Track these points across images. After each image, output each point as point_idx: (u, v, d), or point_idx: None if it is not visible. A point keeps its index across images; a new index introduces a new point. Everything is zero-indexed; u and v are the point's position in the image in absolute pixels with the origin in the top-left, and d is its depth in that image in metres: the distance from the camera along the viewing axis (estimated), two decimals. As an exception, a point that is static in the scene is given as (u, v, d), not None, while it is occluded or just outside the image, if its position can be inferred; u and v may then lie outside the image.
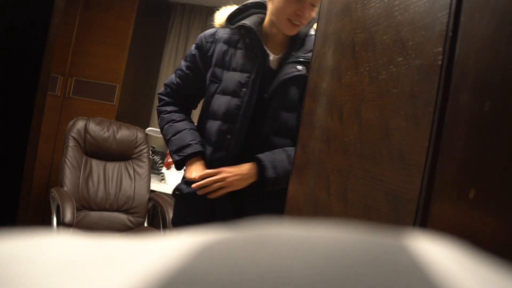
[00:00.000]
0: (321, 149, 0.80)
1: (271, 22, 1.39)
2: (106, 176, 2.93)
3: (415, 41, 0.52)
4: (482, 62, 0.41)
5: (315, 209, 0.78)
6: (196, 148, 1.42)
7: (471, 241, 0.39)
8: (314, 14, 1.35)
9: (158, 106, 1.55)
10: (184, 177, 1.48)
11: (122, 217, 2.87)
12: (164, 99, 1.53)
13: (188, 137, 1.44)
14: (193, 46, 1.49)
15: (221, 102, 1.37)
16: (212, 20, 1.53)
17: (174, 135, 1.46)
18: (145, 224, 2.93)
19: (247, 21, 1.39)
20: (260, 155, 1.34)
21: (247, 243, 0.14)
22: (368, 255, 0.14)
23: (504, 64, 0.38)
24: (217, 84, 1.39)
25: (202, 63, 1.45)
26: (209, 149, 1.40)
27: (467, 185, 0.41)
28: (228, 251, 0.14)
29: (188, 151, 1.41)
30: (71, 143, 2.87)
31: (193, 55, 1.46)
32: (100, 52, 3.40)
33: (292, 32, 1.36)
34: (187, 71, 1.47)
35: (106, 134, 2.99)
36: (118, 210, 2.87)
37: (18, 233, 0.16)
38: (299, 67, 1.36)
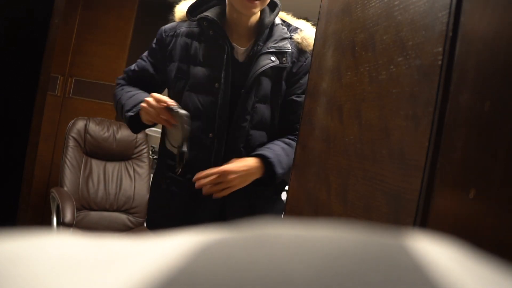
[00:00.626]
0: (321, 149, 0.80)
1: (231, 8, 1.34)
2: (106, 176, 2.93)
3: (415, 41, 0.52)
4: (482, 62, 0.41)
5: (315, 209, 0.78)
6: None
7: (471, 241, 0.39)
8: None
9: (114, 90, 1.49)
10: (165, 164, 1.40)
11: (122, 217, 2.87)
12: (120, 82, 1.48)
13: (142, 96, 1.34)
14: (154, 40, 1.44)
15: (195, 100, 1.32)
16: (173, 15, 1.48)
17: (128, 98, 1.38)
18: (145, 224, 2.93)
19: (209, 13, 1.34)
20: (264, 152, 1.30)
21: (247, 243, 0.14)
22: (368, 255, 0.14)
23: (504, 64, 0.38)
24: (184, 80, 1.34)
25: (161, 57, 1.40)
26: (193, 151, 1.30)
27: (467, 185, 0.41)
28: (228, 251, 0.14)
29: (140, 102, 1.32)
30: (71, 143, 2.87)
31: (154, 49, 1.42)
32: (100, 52, 3.40)
33: (250, 10, 1.30)
34: (146, 62, 1.43)
35: (106, 134, 2.99)
36: (118, 210, 2.87)
37: (18, 233, 0.16)
38: (272, 58, 1.33)
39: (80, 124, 2.93)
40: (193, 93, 1.33)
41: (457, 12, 0.46)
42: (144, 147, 3.11)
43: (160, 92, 1.45)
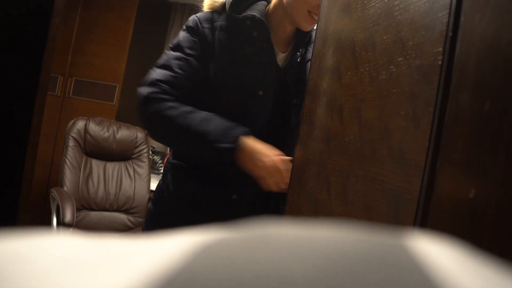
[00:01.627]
0: (321, 149, 0.80)
1: (283, 13, 1.21)
2: (106, 176, 2.93)
3: (415, 41, 0.52)
4: (482, 62, 0.41)
5: (315, 209, 0.78)
6: (245, 129, 1.13)
7: (471, 241, 0.39)
8: None
9: (149, 105, 1.16)
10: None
11: (122, 217, 2.87)
12: (159, 97, 1.16)
13: (223, 120, 1.14)
14: (185, 31, 1.22)
15: (234, 106, 1.18)
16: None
17: (201, 123, 1.12)
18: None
19: (256, 12, 1.18)
20: None
21: (247, 243, 0.14)
22: (368, 255, 0.14)
23: (504, 64, 0.38)
24: (225, 82, 1.18)
25: (202, 51, 1.19)
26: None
27: (467, 185, 0.41)
28: (228, 251, 0.14)
29: (238, 131, 1.11)
30: (71, 143, 2.87)
31: (193, 41, 1.20)
32: (100, 52, 3.40)
33: (309, 27, 1.19)
34: (190, 59, 1.19)
35: (106, 134, 2.99)
36: (118, 210, 2.87)
37: (18, 233, 0.16)
38: None
39: (80, 124, 2.93)
40: (233, 98, 1.19)
41: (457, 12, 0.46)
42: (144, 147, 3.11)
43: (196, 94, 1.23)
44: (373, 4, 0.66)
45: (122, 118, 3.37)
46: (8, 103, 1.32)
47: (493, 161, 0.38)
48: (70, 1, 3.19)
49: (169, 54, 1.21)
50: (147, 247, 0.15)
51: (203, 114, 1.16)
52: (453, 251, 0.15)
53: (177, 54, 1.20)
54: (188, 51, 1.19)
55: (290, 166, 1.05)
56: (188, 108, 1.16)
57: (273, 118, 1.22)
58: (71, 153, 2.85)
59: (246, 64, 1.19)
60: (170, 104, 1.16)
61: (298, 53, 1.25)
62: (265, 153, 1.11)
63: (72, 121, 2.95)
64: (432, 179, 0.46)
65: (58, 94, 3.37)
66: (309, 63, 1.22)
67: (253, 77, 1.18)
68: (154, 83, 1.18)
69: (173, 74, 1.18)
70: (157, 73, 1.19)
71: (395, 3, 0.59)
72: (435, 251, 0.15)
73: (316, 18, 1.15)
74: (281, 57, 1.26)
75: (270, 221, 0.17)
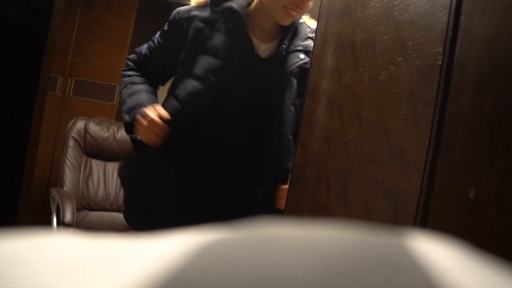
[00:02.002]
0: (321, 149, 0.80)
1: (264, 8, 1.26)
2: (106, 176, 2.92)
3: (415, 41, 0.52)
4: (482, 62, 0.41)
5: (315, 209, 0.78)
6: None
7: (471, 241, 0.39)
8: (311, 4, 1.22)
9: (122, 70, 1.41)
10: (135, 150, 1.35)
11: (122, 217, 2.87)
12: (129, 65, 1.39)
13: (143, 97, 1.29)
14: (167, 21, 1.34)
15: (189, 92, 1.23)
16: None
17: (130, 95, 1.31)
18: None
19: (234, 4, 1.24)
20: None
21: (247, 243, 0.14)
22: (368, 255, 0.14)
23: (504, 64, 0.38)
24: (188, 67, 1.25)
25: (174, 41, 1.30)
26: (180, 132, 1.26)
27: (467, 185, 0.41)
28: (228, 251, 0.14)
29: (140, 111, 1.26)
30: (71, 143, 2.87)
31: (166, 31, 1.32)
32: (100, 52, 3.40)
33: (287, 22, 1.24)
34: (158, 46, 1.33)
35: (106, 134, 2.99)
36: (118, 210, 2.87)
37: (18, 233, 0.16)
38: (301, 55, 1.27)
39: (80, 124, 2.93)
40: (187, 85, 1.24)
41: (457, 12, 0.46)
42: (144, 147, 3.11)
43: (169, 79, 1.39)
44: (373, 4, 0.66)
45: (122, 118, 3.36)
46: (8, 103, 1.33)
47: (493, 161, 0.38)
48: (70, 1, 3.18)
49: (154, 36, 1.38)
50: (147, 247, 0.15)
51: (137, 87, 1.32)
52: (453, 251, 0.15)
53: (155, 38, 1.36)
54: (160, 39, 1.34)
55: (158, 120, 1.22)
56: (136, 80, 1.35)
57: (239, 107, 1.27)
58: (71, 153, 2.85)
59: (210, 51, 1.23)
60: (131, 72, 1.38)
61: (284, 45, 1.28)
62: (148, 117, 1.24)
63: (72, 121, 2.95)
64: (432, 179, 0.46)
65: (58, 94, 3.37)
66: (290, 55, 1.27)
67: (211, 64, 1.22)
68: (135, 51, 1.41)
69: (143, 52, 1.38)
70: (142, 45, 1.41)
71: (395, 3, 0.59)
72: (435, 251, 0.15)
73: (293, 13, 1.21)
74: (263, 48, 1.29)
75: (270, 221, 0.17)
